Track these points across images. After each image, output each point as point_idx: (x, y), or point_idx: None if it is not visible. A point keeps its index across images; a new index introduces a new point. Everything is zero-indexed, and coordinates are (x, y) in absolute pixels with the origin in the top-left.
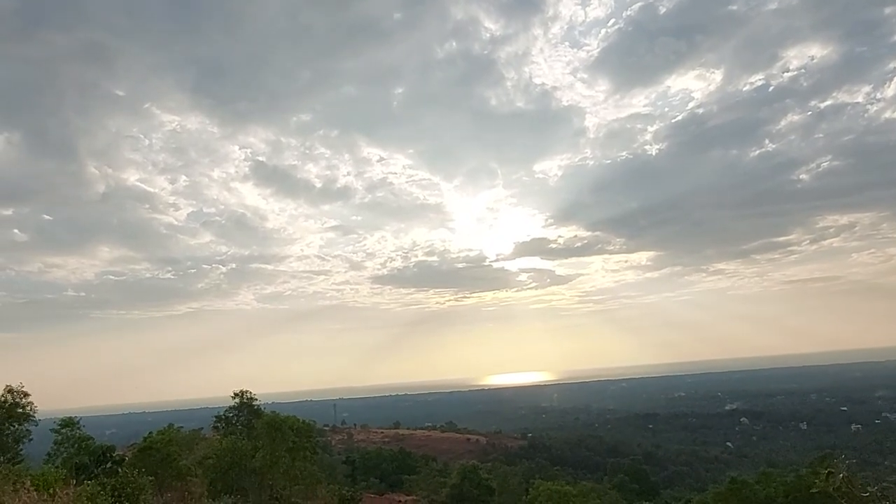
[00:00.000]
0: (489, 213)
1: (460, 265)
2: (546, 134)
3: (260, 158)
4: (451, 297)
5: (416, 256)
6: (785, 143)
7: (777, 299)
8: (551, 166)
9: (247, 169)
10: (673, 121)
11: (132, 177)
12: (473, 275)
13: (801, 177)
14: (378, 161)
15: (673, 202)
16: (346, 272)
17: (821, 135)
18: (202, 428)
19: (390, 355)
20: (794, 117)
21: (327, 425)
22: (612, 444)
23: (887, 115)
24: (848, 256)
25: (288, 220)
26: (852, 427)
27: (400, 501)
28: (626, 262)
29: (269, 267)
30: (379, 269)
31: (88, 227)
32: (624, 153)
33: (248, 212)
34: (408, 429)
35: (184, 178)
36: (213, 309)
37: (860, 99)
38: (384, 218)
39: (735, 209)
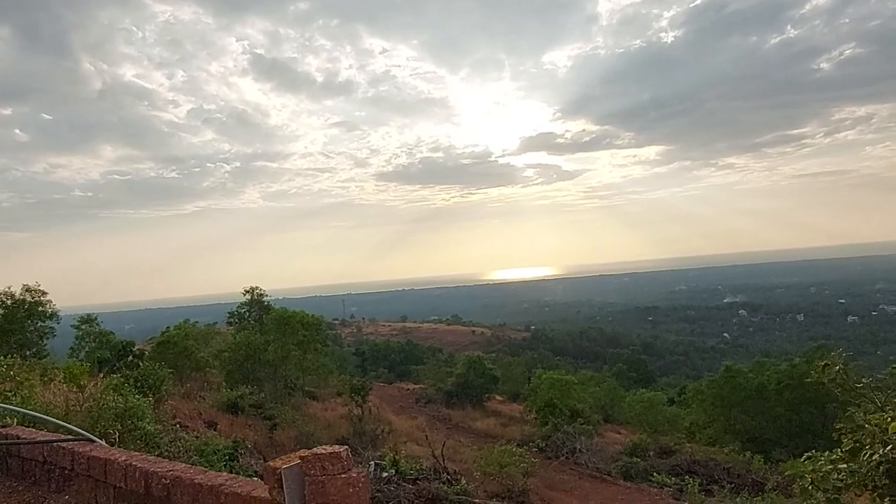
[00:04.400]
0: (495, 107)
1: (466, 161)
2: (556, 21)
3: (258, 51)
4: (457, 194)
5: (421, 152)
6: (808, 29)
7: (785, 194)
8: (561, 56)
9: (245, 63)
10: (691, 5)
11: (128, 72)
12: (479, 171)
13: (821, 66)
14: (381, 53)
15: (686, 93)
16: (350, 169)
17: (846, 20)
18: (216, 322)
19: (397, 251)
20: (820, 0)
21: (337, 319)
22: (612, 335)
23: None
24: (861, 150)
25: (290, 117)
26: (849, 318)
27: (408, 389)
28: (635, 156)
29: (274, 165)
30: (384, 166)
31: (89, 125)
32: (637, 41)
33: (248, 108)
34: (415, 322)
35: (181, 73)
36: (220, 207)
37: None
38: (388, 113)
39: (750, 100)
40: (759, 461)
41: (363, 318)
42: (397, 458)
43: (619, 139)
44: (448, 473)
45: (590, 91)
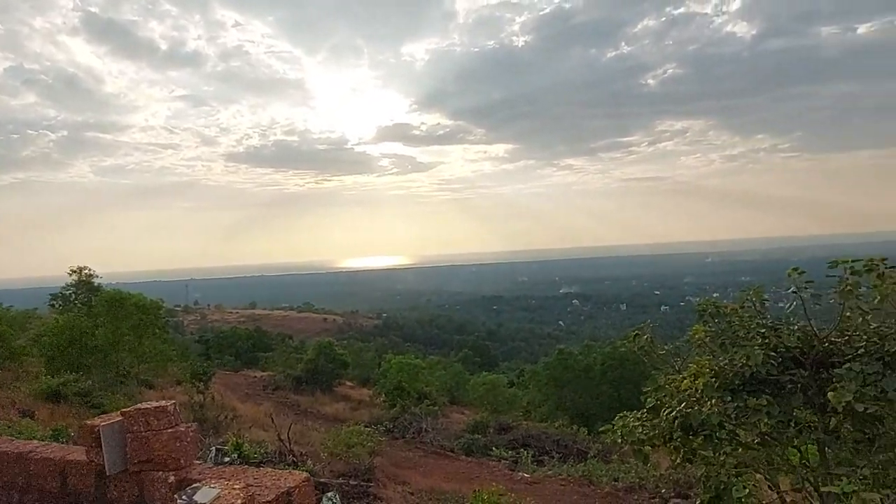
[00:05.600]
0: (352, 94)
1: (321, 146)
2: (416, 13)
3: (92, 9)
4: (311, 180)
5: (275, 135)
6: (639, 47)
7: (615, 195)
8: (419, 49)
9: (76, 20)
10: (541, 13)
11: None
12: (335, 157)
13: (648, 81)
14: (233, 26)
15: (533, 97)
16: (197, 147)
17: (670, 42)
18: (36, 308)
19: (246, 236)
20: (650, 21)
21: (179, 306)
22: (459, 323)
23: (728, 28)
24: (677, 159)
25: (129, 85)
26: (662, 308)
27: (255, 377)
28: (485, 153)
29: (108, 136)
30: (234, 147)
31: None
32: (491, 42)
33: (79, 71)
34: (264, 309)
35: None
36: (43, 180)
37: (708, 10)
38: (240, 91)
39: (588, 108)
40: (584, 433)
41: (208, 305)
42: (240, 442)
43: (471, 135)
44: (294, 455)
45: (445, 86)
